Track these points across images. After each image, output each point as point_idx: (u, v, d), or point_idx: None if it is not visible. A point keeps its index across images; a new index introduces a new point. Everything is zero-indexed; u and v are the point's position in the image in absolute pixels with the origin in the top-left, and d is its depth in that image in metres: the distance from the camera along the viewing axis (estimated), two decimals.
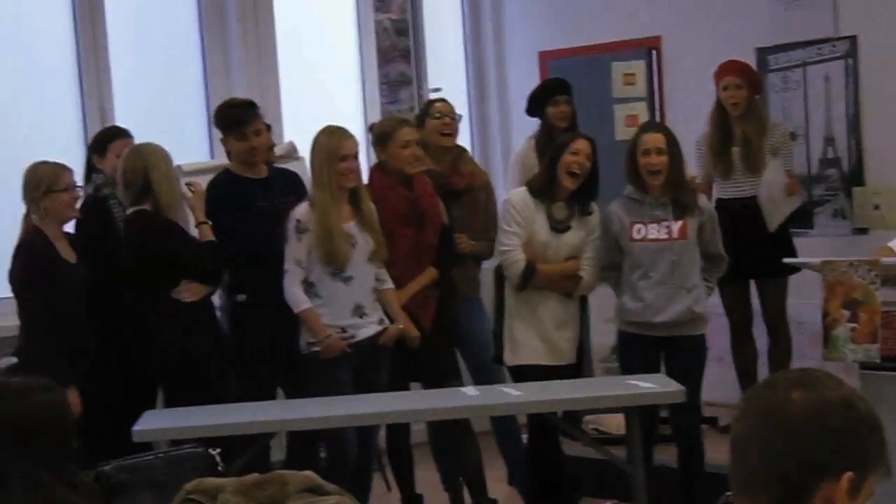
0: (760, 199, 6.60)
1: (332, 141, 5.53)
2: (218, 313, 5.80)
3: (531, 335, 5.72)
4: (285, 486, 2.08)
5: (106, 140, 6.00)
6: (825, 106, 7.22)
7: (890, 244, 4.82)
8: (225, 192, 5.76)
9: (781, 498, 1.84)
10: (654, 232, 5.60)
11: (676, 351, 5.62)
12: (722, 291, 6.46)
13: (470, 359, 6.26)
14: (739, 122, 6.68)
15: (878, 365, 4.66)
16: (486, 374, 6.08)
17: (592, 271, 5.80)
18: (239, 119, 5.79)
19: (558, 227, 5.77)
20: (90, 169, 6.00)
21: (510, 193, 5.87)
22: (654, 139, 5.60)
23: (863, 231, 7.09)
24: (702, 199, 5.72)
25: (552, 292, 5.79)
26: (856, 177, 7.13)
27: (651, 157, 5.57)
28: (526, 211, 5.73)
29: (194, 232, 5.61)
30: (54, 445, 2.56)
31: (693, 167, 6.62)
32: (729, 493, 1.86)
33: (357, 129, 6.63)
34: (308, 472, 2.15)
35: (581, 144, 5.74)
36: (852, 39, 7.08)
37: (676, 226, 5.59)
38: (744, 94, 6.68)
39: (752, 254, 6.47)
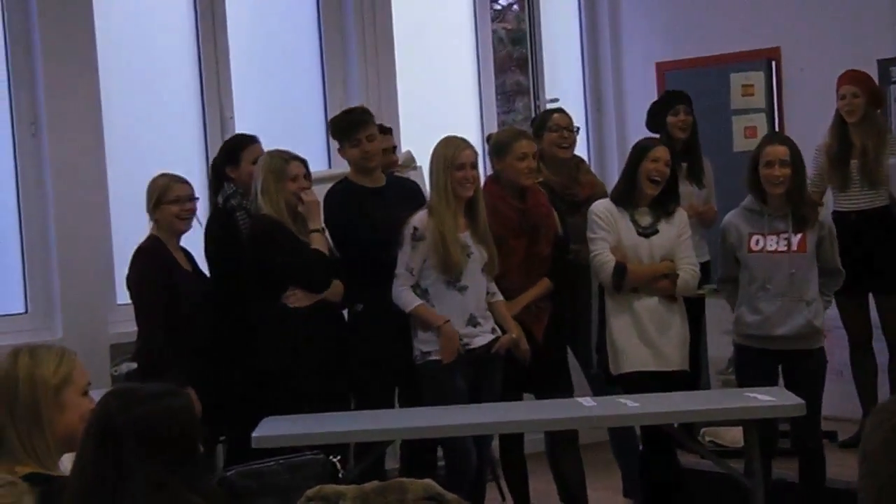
0: None
1: (449, 150, 5.59)
2: None
3: (633, 341, 5.69)
4: (405, 494, 2.12)
5: (237, 148, 6.03)
6: None
7: None
8: (340, 200, 5.83)
9: None
10: (773, 244, 5.58)
11: (795, 364, 5.58)
12: (840, 305, 6.40)
13: (587, 369, 6.27)
14: (859, 133, 6.62)
15: None
16: (600, 384, 6.08)
17: (690, 269, 5.77)
18: (351, 124, 5.86)
19: (645, 233, 5.77)
20: (219, 179, 6.05)
21: (593, 205, 5.85)
22: (778, 151, 5.58)
23: None
24: (822, 213, 5.68)
25: (651, 295, 5.75)
26: None
27: (774, 168, 5.55)
28: (610, 218, 5.74)
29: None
30: (181, 450, 2.60)
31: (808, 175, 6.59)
32: None
33: (474, 138, 6.67)
34: (428, 481, 2.18)
35: (660, 152, 5.75)
36: None
37: (796, 238, 5.56)
38: (860, 102, 6.64)
39: (870, 267, 6.41)
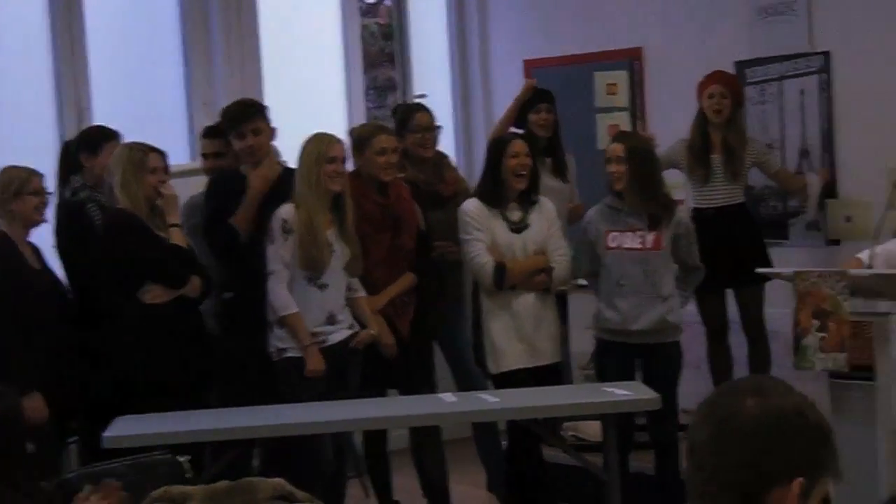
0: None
1: (320, 144, 5.58)
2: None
3: (511, 338, 5.74)
4: (255, 494, 2.13)
5: (99, 139, 5.92)
6: (800, 119, 7.33)
7: (859, 255, 4.91)
8: (222, 187, 5.81)
9: None
10: (629, 241, 5.69)
11: (652, 359, 5.70)
12: (699, 299, 6.55)
13: (456, 365, 6.34)
14: (720, 131, 6.81)
15: (846, 374, 4.74)
16: (470, 380, 6.15)
17: (563, 261, 5.87)
18: (237, 115, 5.82)
19: (517, 228, 5.85)
20: (67, 170, 5.94)
21: (463, 205, 5.90)
22: (615, 149, 5.74)
23: (835, 242, 7.19)
24: (679, 211, 5.79)
25: (528, 291, 5.82)
26: (829, 189, 7.23)
27: (611, 165, 5.68)
28: (482, 217, 5.80)
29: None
30: (2, 452, 2.56)
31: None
32: None
33: (342, 134, 6.67)
34: (278, 480, 2.20)
35: (518, 146, 5.86)
36: (826, 55, 7.19)
37: (651, 236, 5.67)
38: (729, 103, 6.82)
39: (729, 263, 6.57)
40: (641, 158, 5.67)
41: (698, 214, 6.62)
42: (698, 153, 6.81)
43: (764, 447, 1.90)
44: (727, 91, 6.85)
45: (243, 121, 5.77)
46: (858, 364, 4.73)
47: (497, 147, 5.93)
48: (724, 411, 1.95)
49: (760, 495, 1.90)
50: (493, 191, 5.83)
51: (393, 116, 6.74)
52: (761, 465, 1.90)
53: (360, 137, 5.94)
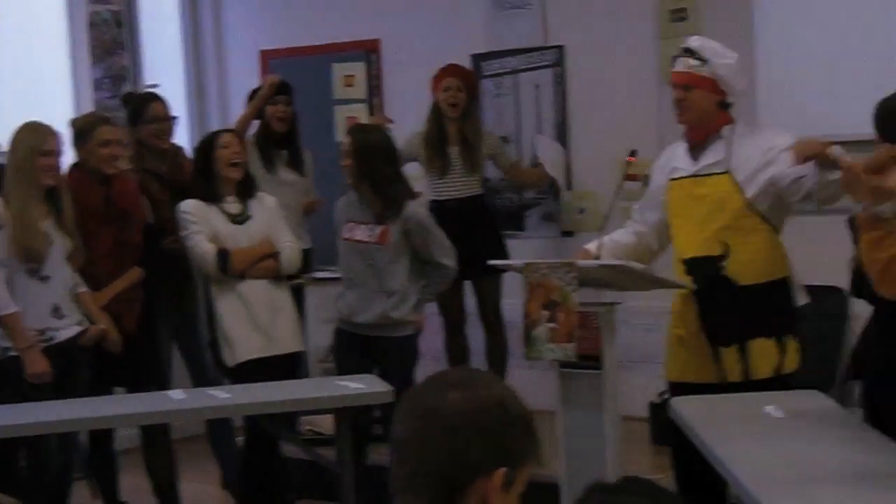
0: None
1: (33, 136, 5.36)
2: None
3: (245, 327, 5.62)
4: None
5: None
6: (536, 112, 7.44)
7: (587, 246, 4.98)
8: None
9: (440, 497, 1.89)
10: (359, 234, 5.65)
11: (385, 352, 5.66)
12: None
13: (192, 362, 6.20)
14: (456, 123, 6.83)
15: (575, 363, 4.80)
16: (206, 376, 6.01)
17: (289, 245, 5.77)
18: (82, 130, 5.63)
19: (239, 220, 5.75)
20: None
21: (180, 203, 5.74)
22: (344, 143, 5.69)
23: (569, 234, 7.34)
24: (409, 207, 5.71)
25: (258, 278, 5.71)
26: (566, 181, 7.35)
27: (343, 159, 5.63)
28: (200, 212, 5.68)
29: None
30: None
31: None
32: None
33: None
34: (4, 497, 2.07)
35: (226, 137, 5.77)
36: (560, 49, 7.31)
37: (378, 230, 5.63)
38: (464, 96, 6.84)
39: (466, 254, 6.60)
40: (367, 152, 5.60)
41: (437, 206, 6.64)
42: (435, 145, 6.83)
43: (466, 439, 1.89)
44: (462, 84, 6.89)
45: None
46: (586, 353, 4.79)
47: (204, 143, 5.80)
48: (426, 405, 1.93)
49: (464, 487, 1.88)
50: (208, 187, 5.70)
51: (124, 107, 6.52)
52: (464, 457, 1.88)
53: (81, 129, 5.74)
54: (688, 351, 4.75)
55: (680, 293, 4.79)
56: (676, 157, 4.85)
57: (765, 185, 4.57)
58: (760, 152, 4.61)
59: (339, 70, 8.10)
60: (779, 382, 4.56)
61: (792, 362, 4.65)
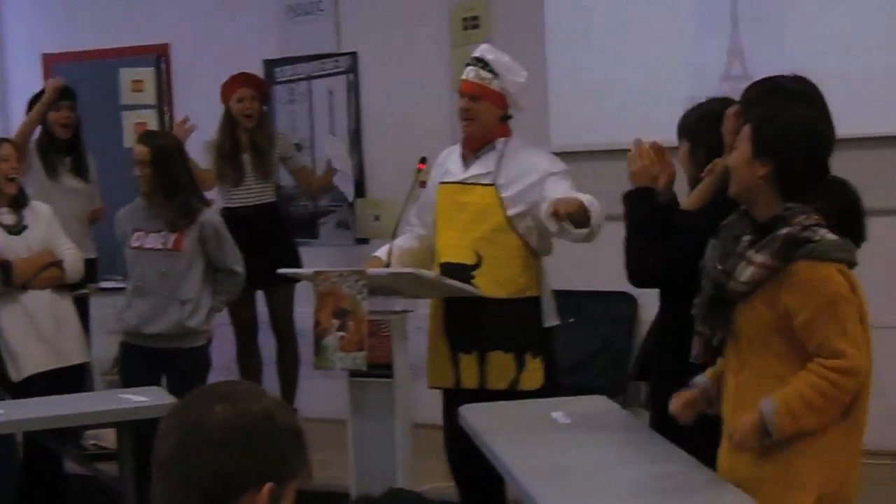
0: None
1: None
2: None
3: (31, 341, 5.44)
4: None
5: None
6: (329, 119, 7.37)
7: (377, 253, 4.93)
8: None
9: None
10: (151, 241, 5.51)
11: (174, 364, 5.52)
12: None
13: None
14: (248, 131, 6.72)
15: (365, 372, 4.75)
16: None
17: (72, 252, 5.61)
18: None
19: (15, 231, 5.55)
20: None
21: None
22: (138, 151, 5.53)
23: (364, 241, 7.29)
24: (204, 214, 5.59)
25: (42, 288, 5.51)
26: (358, 189, 7.31)
27: (136, 168, 5.49)
28: None
29: None
30: None
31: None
32: None
33: None
34: None
35: (5, 149, 5.58)
36: (353, 55, 7.27)
37: (172, 237, 5.50)
38: (258, 105, 6.74)
39: (259, 263, 6.50)
40: (163, 160, 5.47)
41: (230, 214, 6.53)
42: (228, 156, 6.71)
43: (232, 453, 1.82)
44: (255, 93, 6.79)
45: None
46: (377, 362, 4.75)
47: None
48: (191, 419, 1.85)
49: (228, 501, 1.81)
50: None
51: None
52: (229, 471, 1.81)
53: None
54: (431, 354, 4.77)
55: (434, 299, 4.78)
56: (450, 161, 4.84)
57: (525, 208, 4.60)
58: (527, 174, 4.62)
59: (127, 75, 7.90)
60: (516, 397, 4.53)
61: (532, 381, 4.64)
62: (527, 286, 4.67)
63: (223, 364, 7.03)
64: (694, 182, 3.81)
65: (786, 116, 3.04)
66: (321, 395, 6.85)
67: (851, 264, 2.99)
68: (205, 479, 1.80)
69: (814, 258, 2.92)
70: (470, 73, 4.71)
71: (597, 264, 6.20)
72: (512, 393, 4.57)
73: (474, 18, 6.91)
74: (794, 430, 2.93)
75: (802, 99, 3.17)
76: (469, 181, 4.70)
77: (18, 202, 5.60)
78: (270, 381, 6.95)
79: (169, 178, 5.47)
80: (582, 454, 3.32)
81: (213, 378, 5.79)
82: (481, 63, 4.70)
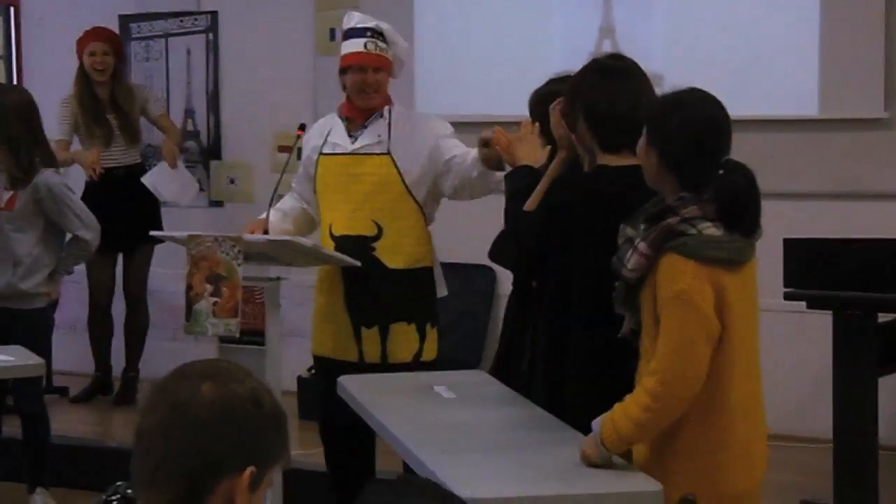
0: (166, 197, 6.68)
1: None
2: None
3: None
4: None
5: None
6: (187, 79, 7.29)
7: (262, 217, 4.83)
8: None
9: (184, 493, 1.82)
10: None
11: (14, 323, 5.36)
12: (88, 264, 6.36)
13: None
14: (106, 88, 6.61)
15: (237, 339, 4.73)
16: None
17: None
18: None
19: None
20: None
21: None
22: None
23: (219, 204, 7.24)
24: (42, 174, 5.34)
25: None
26: (214, 151, 7.26)
27: None
28: None
29: None
30: None
31: (56, 128, 6.50)
32: None
33: None
34: None
35: None
36: (213, 14, 7.19)
37: (7, 196, 5.35)
38: (111, 59, 6.63)
39: (123, 225, 6.42)
40: (2, 114, 5.28)
41: (104, 173, 6.49)
42: (93, 114, 6.59)
43: (216, 434, 1.83)
44: (109, 48, 6.67)
45: None
46: (249, 329, 4.73)
47: None
48: (176, 396, 1.85)
49: (210, 483, 1.82)
50: None
51: None
52: (212, 452, 1.82)
53: None
54: (332, 326, 4.75)
55: (327, 267, 4.76)
56: (334, 133, 4.79)
57: (423, 173, 4.63)
58: (422, 139, 4.64)
59: None
60: (418, 369, 4.56)
61: (431, 351, 4.70)
62: (423, 256, 4.69)
63: (67, 323, 6.94)
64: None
65: (670, 105, 3.11)
66: (178, 359, 6.82)
67: (731, 262, 2.98)
68: (187, 458, 1.81)
69: (680, 253, 2.94)
70: (369, 45, 4.66)
71: (455, 237, 6.29)
72: (383, 366, 4.61)
73: None
74: (622, 443, 2.96)
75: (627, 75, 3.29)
76: (361, 152, 4.68)
77: None
78: (118, 345, 6.89)
79: (6, 133, 5.31)
80: (478, 433, 3.37)
81: (58, 339, 5.70)
82: (378, 34, 4.67)
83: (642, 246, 3.00)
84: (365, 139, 4.67)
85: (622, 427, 2.95)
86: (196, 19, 7.24)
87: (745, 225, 3.04)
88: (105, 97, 6.63)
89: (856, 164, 5.95)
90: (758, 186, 3.05)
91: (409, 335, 4.66)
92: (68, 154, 6.57)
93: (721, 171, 3.03)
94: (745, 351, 3.04)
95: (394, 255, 4.62)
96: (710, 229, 2.98)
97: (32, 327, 5.36)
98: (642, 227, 3.04)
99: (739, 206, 3.02)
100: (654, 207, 3.07)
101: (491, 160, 4.25)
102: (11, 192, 5.29)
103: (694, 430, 3.00)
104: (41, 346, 5.32)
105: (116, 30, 7.13)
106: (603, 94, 3.40)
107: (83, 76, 6.63)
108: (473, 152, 4.42)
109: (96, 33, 6.70)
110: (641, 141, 3.12)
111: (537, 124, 3.79)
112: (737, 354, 3.00)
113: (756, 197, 3.06)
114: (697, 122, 3.05)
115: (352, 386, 4.01)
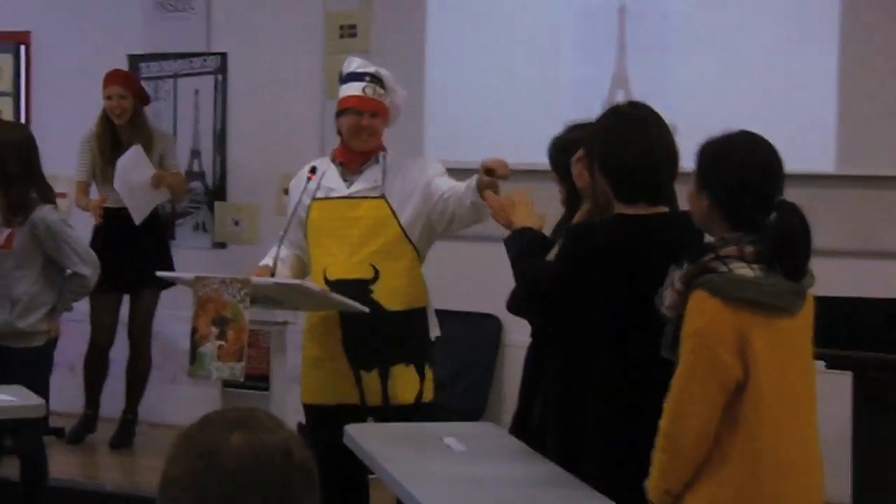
0: (121, 193, 6.49)
1: None
2: None
3: None
4: None
5: None
6: (194, 119, 7.24)
7: (264, 262, 4.76)
8: None
9: None
10: None
11: (7, 363, 5.26)
12: (93, 302, 6.32)
13: None
14: (128, 132, 6.56)
15: (242, 384, 4.65)
16: None
17: None
18: None
19: None
20: None
21: None
22: None
23: (222, 245, 7.17)
24: (39, 211, 5.27)
25: None
26: (219, 192, 7.19)
27: None
28: None
29: None
30: None
31: (76, 168, 6.49)
32: None
33: None
34: None
35: None
36: (223, 56, 7.15)
37: (5, 233, 5.29)
38: (128, 103, 6.58)
39: (131, 265, 6.34)
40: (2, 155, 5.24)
41: (109, 213, 6.44)
42: (109, 156, 6.55)
43: (243, 485, 1.74)
44: (126, 91, 6.62)
45: None
46: (254, 373, 4.66)
47: None
48: (205, 445, 1.77)
49: None
50: None
51: None
52: (240, 503, 1.73)
53: None
54: (325, 372, 4.67)
55: (320, 313, 4.69)
56: (328, 178, 4.74)
57: (417, 213, 4.59)
58: (415, 181, 4.61)
59: None
60: (419, 410, 4.55)
61: (430, 392, 4.65)
62: (419, 297, 4.66)
63: (66, 362, 6.84)
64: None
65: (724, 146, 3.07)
66: (172, 401, 6.74)
67: (760, 305, 2.91)
68: None
69: (706, 289, 2.90)
70: (367, 89, 4.65)
71: (461, 284, 6.22)
72: (385, 408, 4.54)
73: (352, 27, 6.85)
74: (658, 491, 2.95)
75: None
76: (357, 195, 4.65)
77: None
78: (118, 386, 6.80)
79: (2, 170, 5.24)
80: (489, 488, 3.28)
81: (56, 378, 5.60)
82: (377, 80, 4.67)
83: (677, 283, 2.97)
84: (360, 184, 4.65)
85: (651, 475, 2.93)
86: (205, 60, 7.19)
87: (794, 267, 2.97)
88: (125, 139, 6.58)
89: (874, 221, 5.89)
90: (810, 228, 2.98)
91: (409, 376, 4.61)
92: (84, 200, 6.56)
93: (775, 213, 2.97)
94: (780, 402, 2.96)
95: (391, 296, 4.57)
96: (743, 269, 2.93)
97: (31, 366, 5.27)
98: (684, 266, 2.99)
99: (794, 247, 2.96)
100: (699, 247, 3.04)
101: (490, 188, 4.21)
102: (9, 230, 5.22)
103: (712, 479, 2.94)
104: (39, 385, 5.20)
105: (125, 69, 7.07)
106: (619, 144, 3.35)
107: (105, 117, 6.60)
108: (470, 180, 4.38)
109: (112, 77, 6.66)
110: (691, 185, 3.07)
111: (527, 191, 3.78)
112: (766, 404, 2.93)
113: (809, 239, 2.99)
114: (749, 165, 3.01)
115: (359, 435, 3.92)
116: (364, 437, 3.91)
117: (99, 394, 6.80)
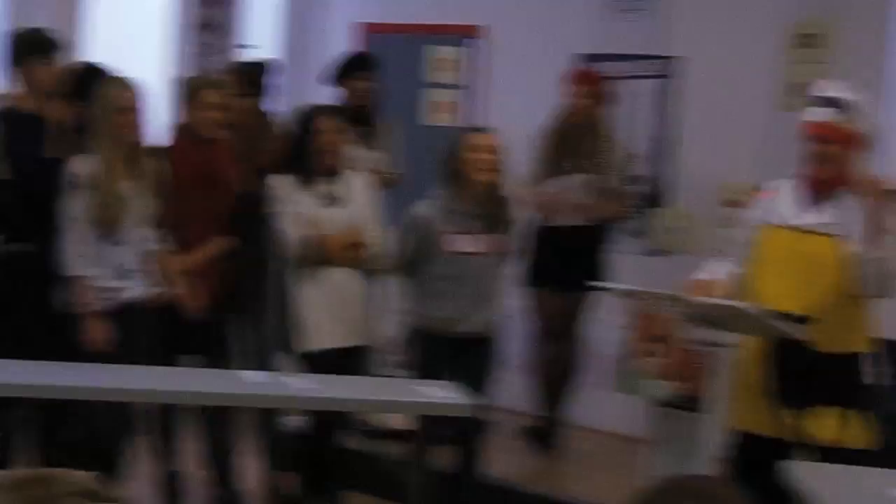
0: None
1: (109, 91, 5.17)
2: None
3: (323, 315, 5.44)
4: (50, 488, 1.80)
5: None
6: (635, 122, 7.12)
7: (700, 277, 4.63)
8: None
9: None
10: (469, 244, 5.41)
11: (467, 355, 5.43)
12: (541, 299, 6.42)
13: (254, 341, 5.98)
14: (588, 128, 6.56)
15: (670, 403, 4.55)
16: (266, 358, 5.79)
17: (378, 237, 5.56)
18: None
19: (327, 203, 5.52)
20: None
21: (271, 178, 5.54)
22: (487, 139, 5.44)
23: (658, 253, 7.06)
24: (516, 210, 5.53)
25: (341, 266, 5.49)
26: (658, 197, 7.10)
27: (481, 153, 5.37)
28: (287, 191, 5.48)
29: None
30: None
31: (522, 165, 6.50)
32: None
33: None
34: (82, 474, 1.86)
35: (327, 122, 5.50)
36: (673, 59, 7.03)
37: (486, 239, 5.43)
38: (590, 103, 6.57)
39: (578, 267, 6.38)
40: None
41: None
42: (562, 153, 6.59)
43: None
44: (588, 91, 6.59)
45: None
46: (686, 394, 4.54)
47: (306, 120, 5.55)
48: None
49: None
50: (302, 164, 5.48)
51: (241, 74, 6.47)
52: None
53: (188, 89, 5.57)
54: (754, 400, 4.49)
55: (753, 340, 4.50)
56: (784, 202, 4.53)
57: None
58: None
59: (432, 53, 7.88)
60: (842, 453, 4.28)
61: (856, 438, 4.38)
62: (856, 342, 4.43)
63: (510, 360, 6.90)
64: None
65: None
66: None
67: None
68: None
69: None
70: (826, 114, 4.41)
71: None
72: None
73: (811, 36, 6.58)
74: None
75: None
76: (807, 229, 4.43)
77: (337, 173, 5.57)
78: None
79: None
80: None
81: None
82: (838, 104, 4.41)
83: None
84: (818, 216, 4.41)
85: None
86: (653, 62, 7.11)
87: None
88: (580, 140, 6.55)
89: None
90: None
91: (830, 418, 4.38)
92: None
93: None
94: None
95: (827, 338, 4.34)
96: None
97: (487, 358, 5.53)
98: None
99: None
100: None
101: None
102: (491, 235, 5.41)
103: None
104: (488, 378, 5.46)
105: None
106: None
107: (567, 114, 6.59)
108: None
109: (576, 75, 6.67)
110: None
111: None
112: None
113: None
114: None
115: (803, 473, 3.80)
116: (808, 474, 3.80)
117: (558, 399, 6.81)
